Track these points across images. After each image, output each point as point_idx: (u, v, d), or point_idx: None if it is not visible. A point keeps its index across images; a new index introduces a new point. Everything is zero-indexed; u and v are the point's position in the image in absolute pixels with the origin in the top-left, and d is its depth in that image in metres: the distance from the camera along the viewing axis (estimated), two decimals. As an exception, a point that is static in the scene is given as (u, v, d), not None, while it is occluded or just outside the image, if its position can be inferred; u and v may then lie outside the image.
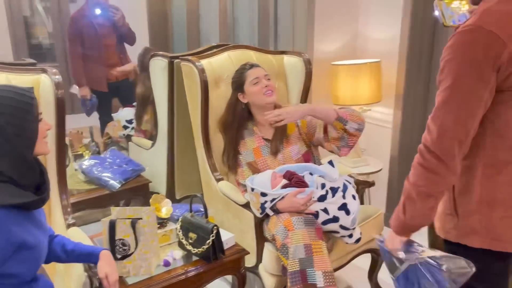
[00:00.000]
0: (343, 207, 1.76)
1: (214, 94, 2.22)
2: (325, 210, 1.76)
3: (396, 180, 2.88)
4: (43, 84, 1.69)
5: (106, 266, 1.34)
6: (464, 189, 1.20)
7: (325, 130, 1.94)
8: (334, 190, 1.78)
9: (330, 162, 1.85)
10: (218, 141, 2.25)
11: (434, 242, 1.73)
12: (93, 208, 2.55)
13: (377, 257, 2.18)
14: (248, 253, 1.83)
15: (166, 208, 1.88)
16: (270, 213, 1.81)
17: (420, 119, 2.87)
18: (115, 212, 1.67)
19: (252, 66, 2.08)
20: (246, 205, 1.94)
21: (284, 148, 2.02)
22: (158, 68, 2.48)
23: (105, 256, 1.37)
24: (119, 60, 3.50)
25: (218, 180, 2.17)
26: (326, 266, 1.64)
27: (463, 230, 1.22)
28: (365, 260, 2.21)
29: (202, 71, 2.14)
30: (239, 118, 2.08)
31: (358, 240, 1.84)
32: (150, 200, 1.87)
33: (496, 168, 1.15)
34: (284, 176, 1.85)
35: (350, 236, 1.82)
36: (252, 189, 1.84)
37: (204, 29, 4.82)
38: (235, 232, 1.93)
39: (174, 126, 2.60)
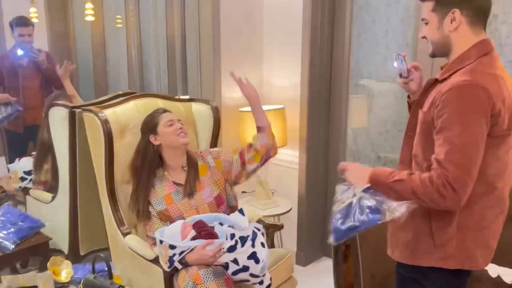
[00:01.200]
0: (253, 256, 1.78)
1: (119, 144, 2.16)
2: (235, 261, 1.76)
3: (305, 219, 2.99)
4: None
5: None
6: (443, 217, 1.34)
7: (242, 161, 2.07)
8: (243, 240, 1.79)
9: (240, 211, 1.88)
10: (124, 193, 2.18)
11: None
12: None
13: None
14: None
15: (66, 271, 1.76)
16: (179, 266, 1.77)
17: (323, 160, 3.05)
18: (6, 281, 1.52)
19: (165, 110, 2.09)
20: (155, 260, 1.88)
21: (196, 192, 2.02)
22: (58, 118, 2.36)
23: None
24: (41, 103, 3.32)
25: (125, 234, 2.09)
26: None
27: (440, 255, 1.36)
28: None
29: (105, 122, 2.08)
30: (149, 161, 2.04)
31: (268, 286, 1.86)
32: (48, 264, 1.73)
33: (472, 199, 1.30)
34: (193, 227, 1.83)
35: (261, 283, 1.84)
36: (161, 242, 1.79)
37: (112, 72, 4.72)
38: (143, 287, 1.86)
39: (77, 177, 2.46)
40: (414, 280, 1.47)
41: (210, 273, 1.69)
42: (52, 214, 2.61)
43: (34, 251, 2.39)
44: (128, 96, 2.37)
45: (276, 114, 2.73)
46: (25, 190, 2.87)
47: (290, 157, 2.96)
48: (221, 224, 1.85)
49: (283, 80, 2.99)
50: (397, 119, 2.72)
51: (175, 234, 1.80)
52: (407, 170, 1.37)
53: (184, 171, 2.05)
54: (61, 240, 2.57)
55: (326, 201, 3.11)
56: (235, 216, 1.88)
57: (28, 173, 2.95)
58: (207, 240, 1.76)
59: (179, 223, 1.86)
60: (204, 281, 1.67)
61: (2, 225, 2.35)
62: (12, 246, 2.23)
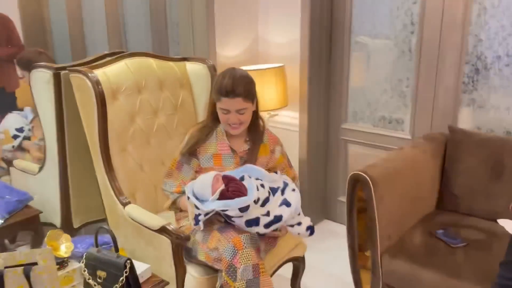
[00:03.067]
0: (284, 202, 1.73)
1: (112, 108, 1.98)
2: (267, 213, 1.68)
3: (306, 182, 2.90)
4: None
5: None
6: None
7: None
8: (273, 191, 1.74)
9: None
10: (121, 160, 2.02)
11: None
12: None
13: (299, 264, 2.15)
14: (168, 283, 1.65)
15: (65, 245, 1.61)
16: (202, 226, 1.69)
17: (324, 120, 2.94)
18: (1, 259, 1.37)
19: (228, 94, 1.77)
20: (161, 230, 1.75)
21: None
22: (41, 81, 2.14)
23: None
24: None
25: (124, 204, 1.94)
26: (270, 286, 1.59)
27: None
28: (286, 270, 2.16)
29: (97, 83, 1.89)
30: (215, 120, 1.91)
31: (309, 228, 1.79)
32: (45, 239, 1.58)
33: None
34: (225, 179, 1.73)
35: (299, 223, 1.78)
36: (188, 198, 1.70)
37: (89, 36, 4.41)
38: (149, 260, 1.74)
39: (66, 145, 2.28)
40: None
41: (249, 239, 1.63)
42: (41, 186, 2.43)
43: (24, 225, 2.23)
44: (117, 55, 2.17)
45: (276, 73, 2.58)
46: (9, 162, 2.67)
47: (290, 119, 2.83)
48: (249, 176, 1.76)
49: (280, 37, 2.82)
50: (398, 76, 2.60)
51: (206, 187, 1.69)
52: None
53: (246, 143, 1.91)
54: (53, 213, 2.41)
55: (327, 163, 3.03)
56: (262, 169, 1.82)
57: (20, 130, 2.75)
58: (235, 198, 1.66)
59: (212, 174, 1.74)
60: (245, 247, 1.59)
61: (-13, 199, 2.17)
62: (1, 221, 2.07)
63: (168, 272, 1.75)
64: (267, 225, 1.68)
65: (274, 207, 1.70)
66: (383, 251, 1.87)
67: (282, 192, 1.75)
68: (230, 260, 1.59)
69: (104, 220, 2.55)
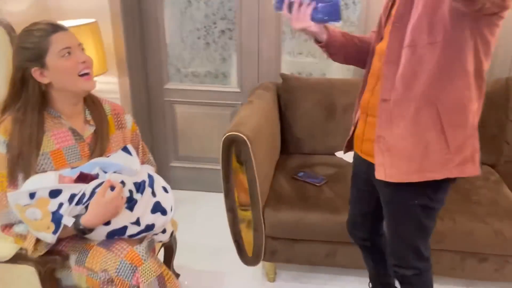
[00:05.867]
0: (157, 208, 1.41)
1: None
2: (137, 221, 1.35)
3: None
4: None
5: None
6: (458, 113, 1.17)
7: None
8: (139, 187, 1.37)
9: (125, 149, 1.42)
10: None
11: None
12: None
13: (171, 247, 1.95)
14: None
15: None
16: (69, 222, 1.22)
17: (144, 83, 2.65)
18: None
19: (58, 28, 1.27)
20: (17, 258, 1.26)
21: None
22: None
23: None
24: None
25: None
26: None
27: (458, 162, 1.20)
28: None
29: None
30: (32, 104, 1.29)
31: (172, 234, 1.58)
32: None
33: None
34: (80, 180, 1.27)
35: (164, 231, 1.52)
36: (32, 195, 1.20)
37: None
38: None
39: None
40: (411, 203, 1.28)
41: (145, 247, 1.29)
42: None
43: None
44: None
45: (91, 31, 2.11)
46: None
47: (111, 86, 2.42)
48: (105, 172, 1.34)
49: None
50: (220, 27, 2.54)
51: (44, 182, 1.23)
52: (394, 68, 1.19)
53: (88, 124, 1.40)
54: None
55: (152, 129, 2.78)
56: (119, 156, 1.41)
57: None
58: (108, 180, 1.26)
59: (51, 175, 1.26)
60: (144, 259, 1.25)
61: None
62: None
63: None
64: (132, 236, 1.36)
65: (145, 213, 1.37)
66: (263, 206, 1.87)
67: (153, 192, 1.41)
68: (129, 280, 1.25)
69: None
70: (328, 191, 1.96)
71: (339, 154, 2.29)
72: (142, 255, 1.28)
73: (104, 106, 1.49)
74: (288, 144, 2.35)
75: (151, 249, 1.39)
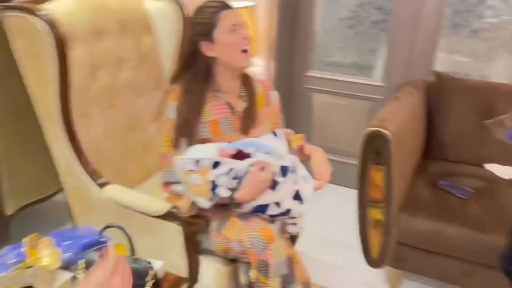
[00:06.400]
0: (296, 196, 1.42)
1: (68, 59, 1.47)
2: (278, 203, 1.38)
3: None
4: None
5: None
6: None
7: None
8: (285, 171, 1.39)
9: (275, 134, 1.47)
10: (83, 127, 1.56)
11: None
12: None
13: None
14: (188, 280, 1.34)
15: (49, 253, 1.18)
16: (226, 193, 1.29)
17: (288, 68, 2.69)
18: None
19: (226, 6, 1.39)
20: (168, 215, 1.39)
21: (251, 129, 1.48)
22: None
23: None
24: None
25: (102, 185, 1.52)
26: (305, 277, 1.35)
27: None
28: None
29: (52, 25, 1.36)
30: (200, 75, 1.41)
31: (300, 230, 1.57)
32: (26, 248, 1.13)
33: None
34: (237, 156, 1.34)
35: (294, 223, 1.52)
36: (197, 162, 1.29)
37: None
38: (147, 253, 1.39)
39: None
40: None
41: (278, 227, 1.32)
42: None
43: None
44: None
45: (249, 14, 2.21)
46: None
47: (258, 68, 2.52)
48: (257, 152, 1.40)
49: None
50: (373, 18, 2.44)
51: (207, 153, 1.32)
52: None
53: (242, 99, 1.49)
54: (-25, 200, 1.84)
55: (289, 114, 2.82)
56: (269, 140, 1.45)
57: None
58: (260, 161, 1.30)
59: (212, 147, 1.35)
60: (276, 238, 1.29)
61: None
62: None
63: (177, 265, 1.42)
64: (272, 216, 1.38)
65: (286, 197, 1.37)
66: (398, 209, 1.77)
67: (294, 179, 1.40)
68: (260, 254, 1.30)
69: (45, 200, 2.08)
70: (475, 205, 1.77)
71: (490, 166, 2.05)
72: (275, 234, 1.31)
73: (256, 84, 1.55)
74: (432, 148, 2.18)
75: (283, 231, 1.42)
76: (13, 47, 1.45)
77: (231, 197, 1.30)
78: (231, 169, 1.29)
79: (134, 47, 1.78)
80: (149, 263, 1.14)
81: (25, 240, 1.15)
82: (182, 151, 1.38)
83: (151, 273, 1.13)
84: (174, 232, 1.40)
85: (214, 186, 1.30)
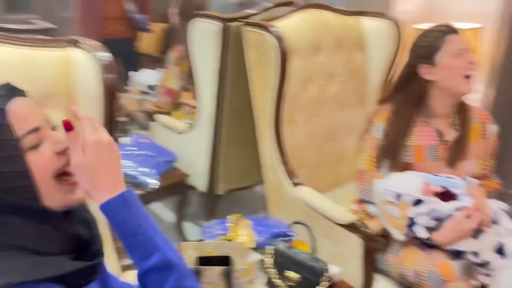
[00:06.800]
0: (499, 249, 1.27)
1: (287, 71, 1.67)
2: (475, 253, 1.27)
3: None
4: (77, 64, 1.12)
5: None
6: None
7: None
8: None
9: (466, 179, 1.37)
10: (288, 131, 1.74)
11: None
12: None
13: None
14: (359, 292, 1.38)
15: (246, 233, 1.38)
16: (424, 234, 1.27)
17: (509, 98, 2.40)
18: (191, 249, 1.17)
19: (453, 30, 1.39)
20: (351, 227, 1.46)
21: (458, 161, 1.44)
22: (206, 33, 1.89)
23: None
24: (122, 13, 2.97)
25: (295, 185, 1.68)
26: None
27: None
28: None
29: (280, 40, 1.58)
30: (413, 98, 1.41)
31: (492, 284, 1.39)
32: (229, 224, 1.36)
33: None
34: (442, 196, 1.30)
35: (488, 275, 1.35)
36: (398, 197, 1.30)
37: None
38: (325, 255, 1.47)
39: (222, 107, 2.06)
40: None
41: (460, 268, 1.24)
42: (185, 147, 2.26)
43: (172, 189, 2.08)
44: (286, 6, 1.85)
45: (471, 35, 2.07)
46: (150, 115, 2.53)
47: (475, 95, 2.33)
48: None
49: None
50: None
51: (410, 187, 1.30)
52: None
53: (453, 128, 1.43)
54: (196, 177, 2.24)
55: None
56: (464, 183, 1.36)
57: (151, 88, 2.60)
58: (470, 208, 1.25)
59: (415, 180, 1.33)
60: (457, 279, 1.22)
61: (141, 158, 2.03)
62: (157, 183, 1.91)
63: (352, 277, 1.47)
64: (458, 253, 1.27)
65: (487, 248, 1.26)
66: None
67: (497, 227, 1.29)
68: None
69: (247, 188, 2.38)
70: None
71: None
72: (457, 273, 1.23)
73: (472, 113, 1.46)
74: None
75: (468, 273, 1.30)
76: (246, 56, 1.73)
77: (427, 238, 1.27)
78: (433, 210, 1.26)
79: (345, 62, 1.89)
80: (326, 265, 1.23)
81: (230, 218, 1.39)
82: (382, 173, 1.41)
83: (326, 274, 1.21)
84: (355, 244, 1.45)
85: (411, 223, 1.29)
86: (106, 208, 0.64)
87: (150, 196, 1.93)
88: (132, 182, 1.90)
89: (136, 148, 2.09)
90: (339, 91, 1.89)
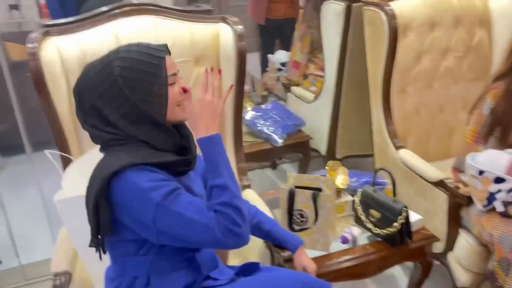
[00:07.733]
0: None
1: (400, 45, 1.86)
2: None
3: None
4: (223, 35, 1.55)
5: (304, 258, 1.26)
6: None
7: None
8: None
9: None
10: (399, 100, 1.93)
11: None
12: (251, 161, 2.47)
13: None
14: (438, 240, 1.54)
15: (342, 177, 1.68)
16: (500, 208, 1.40)
17: None
18: (292, 179, 1.52)
19: None
20: (439, 184, 1.62)
21: None
22: (332, 13, 2.18)
23: (303, 251, 1.28)
24: None
25: (398, 147, 1.88)
26: None
27: None
28: None
29: (392, 17, 1.79)
30: None
31: None
32: (327, 168, 1.68)
33: None
34: None
35: None
36: (481, 172, 1.42)
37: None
38: (417, 210, 1.65)
39: (343, 78, 2.33)
40: None
41: None
42: (312, 114, 2.60)
43: (296, 148, 2.45)
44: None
45: None
46: (287, 88, 2.94)
47: None
48: None
49: None
50: None
51: (494, 164, 1.40)
52: None
53: None
54: (319, 141, 2.57)
55: None
56: None
57: (283, 64, 3.01)
58: None
59: (505, 158, 1.41)
60: None
61: (271, 119, 2.45)
62: (281, 141, 2.31)
63: (438, 228, 1.64)
64: None
65: None
66: None
67: None
68: (506, 252, 1.33)
69: (365, 156, 2.61)
70: None
71: None
72: None
73: None
74: None
75: None
76: (365, 32, 1.97)
77: (504, 212, 1.39)
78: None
79: (464, 39, 1.97)
80: (405, 207, 1.44)
81: (329, 163, 1.69)
82: (486, 148, 1.50)
83: (403, 214, 1.43)
84: (441, 200, 1.62)
85: (491, 197, 1.41)
86: (199, 142, 1.00)
87: (278, 150, 2.35)
88: (263, 137, 2.34)
89: (270, 112, 2.54)
90: (455, 66, 1.98)
